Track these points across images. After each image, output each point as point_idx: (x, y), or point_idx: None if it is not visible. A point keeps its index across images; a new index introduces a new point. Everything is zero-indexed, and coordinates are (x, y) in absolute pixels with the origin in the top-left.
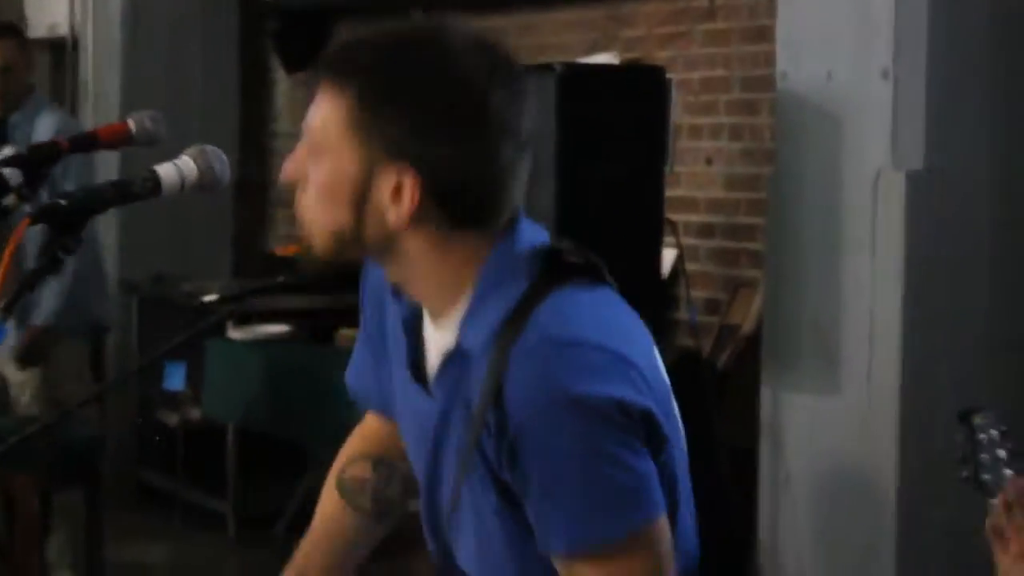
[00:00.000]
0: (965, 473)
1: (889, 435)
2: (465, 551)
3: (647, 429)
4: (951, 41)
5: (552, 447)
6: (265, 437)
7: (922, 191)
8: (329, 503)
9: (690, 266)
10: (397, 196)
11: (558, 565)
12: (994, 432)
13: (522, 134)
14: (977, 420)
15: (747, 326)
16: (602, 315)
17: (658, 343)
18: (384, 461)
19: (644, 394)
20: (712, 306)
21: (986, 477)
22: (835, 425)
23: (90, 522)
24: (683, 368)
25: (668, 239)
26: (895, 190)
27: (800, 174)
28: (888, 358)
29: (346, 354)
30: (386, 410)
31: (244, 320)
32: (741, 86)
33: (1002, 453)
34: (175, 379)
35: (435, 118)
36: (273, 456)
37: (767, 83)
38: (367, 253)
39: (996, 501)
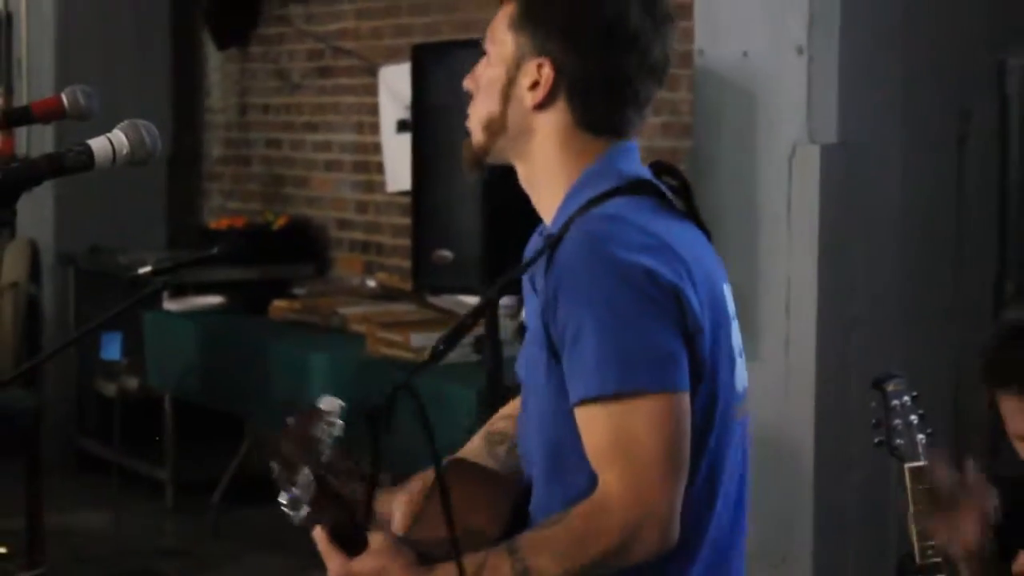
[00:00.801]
0: (879, 438)
1: (806, 400)
2: (527, 435)
3: (678, 308)
4: (863, 18)
5: (583, 295)
6: (202, 407)
7: (836, 164)
8: (473, 443)
9: None
10: (536, 86)
11: (578, 418)
12: (906, 398)
13: (654, 58)
14: (890, 387)
15: None
16: (661, 218)
17: None
18: None
19: (681, 277)
20: None
21: (899, 442)
22: (755, 393)
23: (29, 490)
24: None
25: None
26: (810, 163)
27: (717, 148)
28: (805, 326)
29: (280, 325)
30: None
31: (179, 292)
32: None
33: (914, 419)
34: (112, 349)
35: (578, 25)
36: (210, 425)
37: (686, 60)
38: (508, 142)
39: (909, 465)
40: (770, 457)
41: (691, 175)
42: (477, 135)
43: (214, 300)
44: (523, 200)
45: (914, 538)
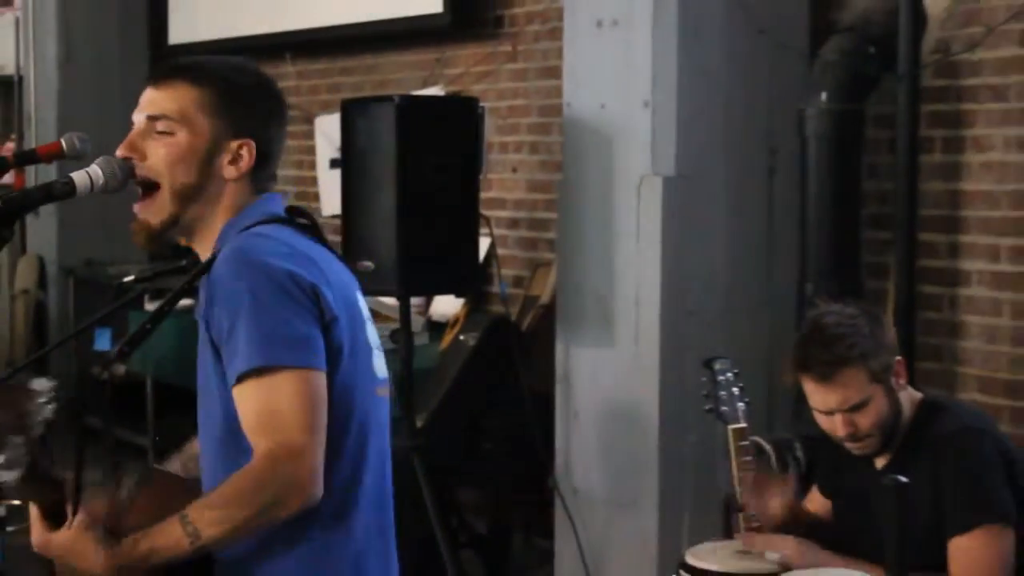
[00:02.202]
0: (709, 406)
1: (652, 378)
2: (203, 437)
3: (316, 304)
4: (694, 77)
5: (233, 294)
6: (176, 386)
7: (674, 191)
8: (172, 463)
9: (501, 251)
10: (235, 161)
11: (236, 399)
12: (729, 375)
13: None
14: (717, 366)
15: (545, 297)
16: (300, 238)
17: (476, 312)
18: None
19: (318, 279)
20: (518, 282)
21: (725, 409)
22: (612, 371)
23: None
24: (496, 331)
25: (484, 231)
26: (654, 191)
27: (582, 180)
28: (650, 319)
29: None
30: None
31: (158, 295)
32: (538, 112)
33: (736, 390)
34: (103, 341)
35: (264, 110)
36: (183, 401)
37: (557, 110)
38: (199, 208)
39: (732, 427)
40: (623, 423)
41: (562, 201)
42: (168, 205)
43: (187, 302)
44: (431, 219)
45: (736, 483)
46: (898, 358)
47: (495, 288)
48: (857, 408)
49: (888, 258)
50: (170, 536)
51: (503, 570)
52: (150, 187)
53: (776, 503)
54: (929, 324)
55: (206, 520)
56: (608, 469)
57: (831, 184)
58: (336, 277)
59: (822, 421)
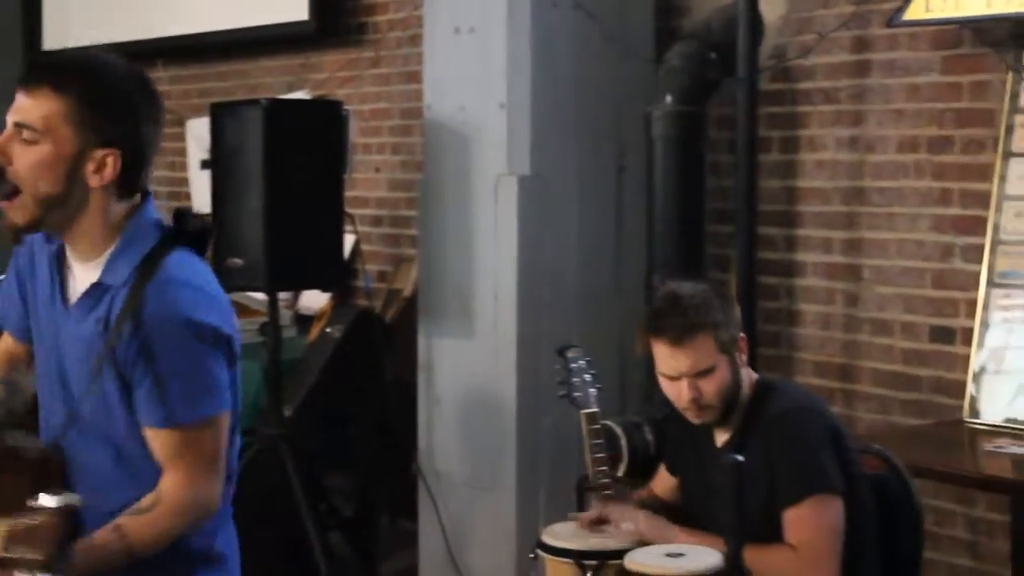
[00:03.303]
0: (563, 392)
1: (510, 366)
2: (80, 453)
3: (230, 351)
4: (546, 82)
5: (169, 348)
6: None
7: (529, 189)
8: None
9: (365, 247)
10: (100, 170)
11: (151, 434)
12: (582, 362)
13: (161, 127)
14: (570, 354)
15: (407, 290)
16: (204, 270)
17: (342, 305)
18: (10, 378)
19: (230, 326)
20: (382, 276)
21: (578, 395)
22: (472, 361)
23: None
24: (361, 323)
25: (348, 228)
26: (510, 189)
27: (442, 179)
28: (508, 311)
29: None
30: (21, 335)
31: None
32: (399, 115)
33: (588, 377)
34: None
35: (133, 115)
36: None
37: (418, 113)
38: (63, 212)
39: (585, 411)
40: (482, 409)
41: (423, 200)
42: (32, 209)
43: None
44: (297, 217)
45: (589, 464)
46: (742, 334)
47: (360, 282)
48: (704, 374)
49: (730, 250)
50: (106, 547)
51: (370, 551)
52: (15, 191)
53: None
54: (768, 313)
55: (139, 536)
56: (468, 453)
57: (676, 181)
58: (229, 307)
59: (668, 387)
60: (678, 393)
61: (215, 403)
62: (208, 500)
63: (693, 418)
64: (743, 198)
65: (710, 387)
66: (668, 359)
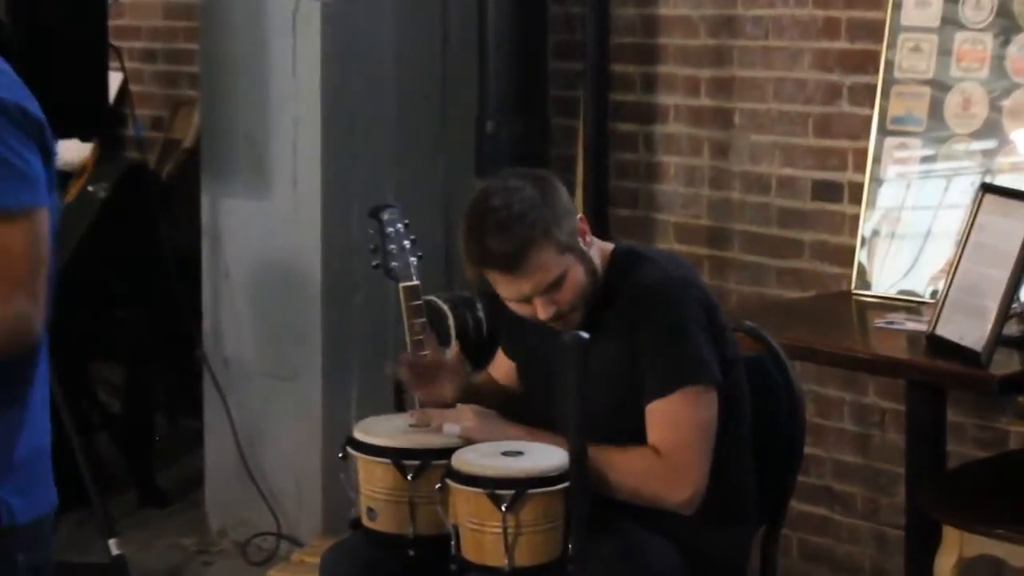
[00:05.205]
0: (377, 262)
1: (313, 231)
2: None
3: (41, 139)
4: None
5: None
6: None
7: (335, 19)
8: None
9: (135, 88)
10: None
11: None
12: (399, 226)
13: None
14: (385, 216)
15: (188, 140)
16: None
17: (109, 159)
18: None
19: (39, 113)
20: (156, 123)
21: (394, 265)
22: (267, 225)
23: None
24: (130, 180)
25: (114, 65)
26: (311, 18)
27: (228, 4)
28: (310, 165)
29: None
30: None
31: None
32: None
33: (407, 243)
34: None
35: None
36: None
37: None
38: None
39: (403, 284)
40: (281, 283)
41: (205, 30)
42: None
43: None
44: (49, 53)
45: (409, 347)
46: (579, 216)
47: (129, 131)
48: (555, 286)
49: (577, 92)
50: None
51: (144, 456)
52: None
53: (447, 389)
54: (623, 166)
55: None
56: (264, 336)
57: (512, 8)
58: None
59: (519, 308)
60: (533, 312)
61: (31, 194)
62: (27, 316)
63: (558, 328)
64: (593, 29)
65: (566, 295)
66: (506, 286)
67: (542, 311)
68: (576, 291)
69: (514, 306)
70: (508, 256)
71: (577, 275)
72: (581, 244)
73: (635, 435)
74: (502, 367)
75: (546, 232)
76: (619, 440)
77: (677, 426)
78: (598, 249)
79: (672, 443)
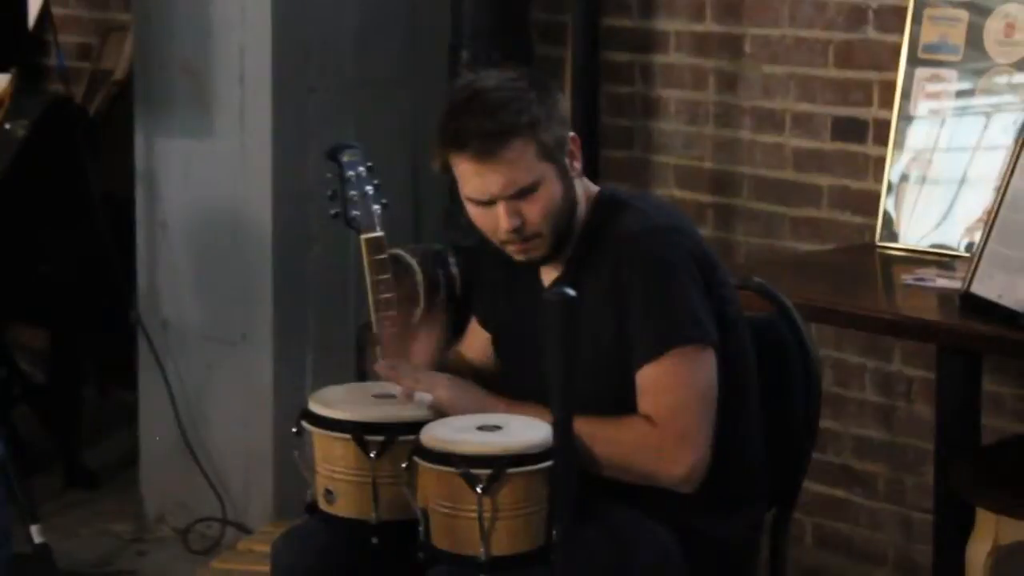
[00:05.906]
0: (336, 210)
1: (263, 174)
2: None
3: None
4: None
5: None
6: None
7: None
8: None
9: (57, 11)
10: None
11: None
12: (361, 169)
13: None
14: (345, 158)
15: (119, 72)
16: None
17: (27, 92)
18: None
19: None
20: (83, 51)
21: (355, 213)
22: (211, 168)
23: None
24: (54, 115)
25: None
26: None
27: None
28: (260, 100)
29: None
30: None
31: None
32: None
33: (369, 189)
34: None
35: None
36: None
37: None
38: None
39: (365, 236)
40: (227, 235)
41: None
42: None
43: None
44: None
45: (372, 308)
46: (572, 134)
47: (52, 60)
48: (524, 193)
49: (564, 16)
50: None
51: (70, 430)
52: None
53: (421, 351)
54: (616, 101)
55: None
56: (207, 295)
57: None
58: None
59: (480, 217)
60: (494, 223)
61: None
62: None
63: (517, 254)
64: None
65: (534, 209)
66: (474, 178)
67: (504, 219)
68: (547, 210)
69: (474, 212)
70: (485, 137)
71: (553, 191)
72: (567, 163)
73: (622, 406)
74: (476, 342)
75: (532, 127)
76: (605, 413)
77: (671, 391)
78: (584, 187)
79: (666, 411)
